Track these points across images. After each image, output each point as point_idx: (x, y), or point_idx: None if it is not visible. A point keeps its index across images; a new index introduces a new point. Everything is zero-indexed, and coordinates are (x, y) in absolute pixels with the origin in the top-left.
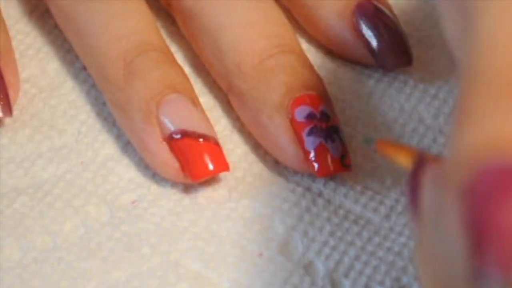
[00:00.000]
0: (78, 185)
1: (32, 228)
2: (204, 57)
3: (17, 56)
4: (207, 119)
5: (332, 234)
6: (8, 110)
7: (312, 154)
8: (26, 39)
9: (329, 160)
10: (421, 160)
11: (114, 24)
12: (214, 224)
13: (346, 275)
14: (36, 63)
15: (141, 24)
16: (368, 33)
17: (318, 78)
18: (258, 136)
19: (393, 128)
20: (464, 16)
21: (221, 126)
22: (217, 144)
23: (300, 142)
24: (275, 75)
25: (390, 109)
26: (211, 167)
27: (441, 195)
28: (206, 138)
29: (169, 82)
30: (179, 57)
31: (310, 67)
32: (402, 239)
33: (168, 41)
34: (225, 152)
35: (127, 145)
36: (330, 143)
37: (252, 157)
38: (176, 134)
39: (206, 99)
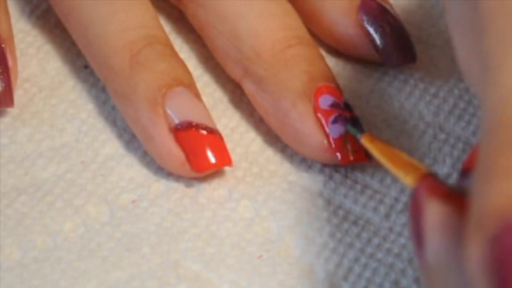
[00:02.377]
0: (78, 184)
1: (32, 228)
2: (216, 45)
3: (17, 55)
4: (210, 114)
5: (331, 235)
6: (10, 99)
7: (337, 141)
8: (27, 38)
9: (355, 148)
10: (422, 195)
11: (120, 17)
12: (214, 225)
13: (345, 278)
14: (37, 62)
15: (146, 18)
16: (373, 30)
17: (331, 72)
18: (276, 124)
19: (393, 125)
20: (481, 54)
21: (222, 126)
22: (221, 138)
23: (325, 129)
24: (296, 64)
25: (391, 107)
26: (214, 160)
27: (460, 243)
28: (211, 131)
29: (175, 75)
30: (181, 55)
31: (325, 62)
32: (402, 240)
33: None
34: None
35: (128, 145)
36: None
37: (252, 157)
38: (182, 125)
39: (206, 99)
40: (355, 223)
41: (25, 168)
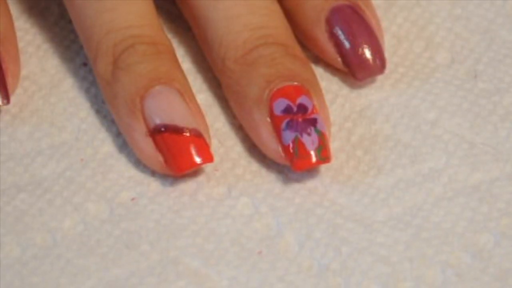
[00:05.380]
0: (77, 182)
1: (32, 225)
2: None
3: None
4: (194, 109)
5: (329, 231)
6: (6, 97)
7: (288, 148)
8: (26, 36)
9: (304, 154)
10: None
11: (106, 17)
12: (214, 221)
13: (341, 272)
14: (36, 60)
15: (132, 15)
16: (340, 39)
17: (303, 65)
18: (246, 129)
19: (391, 120)
20: None
21: (221, 123)
22: (199, 135)
23: (278, 136)
24: (255, 68)
25: (389, 105)
26: (192, 159)
27: None
28: (187, 130)
29: (154, 75)
30: (180, 53)
31: (293, 55)
32: (396, 233)
33: (169, 36)
34: (224, 149)
35: (127, 143)
36: (306, 137)
37: (251, 154)
38: (160, 128)
39: (205, 96)
40: (350, 218)
41: (25, 166)
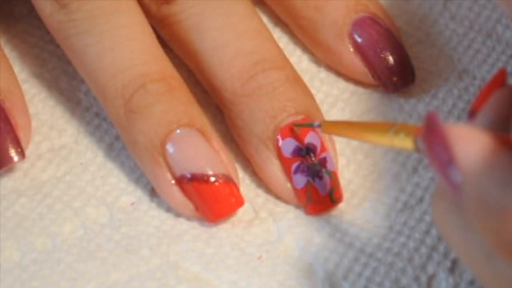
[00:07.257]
0: (77, 186)
1: (32, 230)
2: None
3: (17, 55)
4: (218, 150)
5: (331, 235)
6: (21, 153)
7: (301, 192)
8: (28, 38)
9: (318, 198)
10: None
11: (108, 59)
12: (214, 226)
13: (345, 278)
14: (36, 63)
15: (136, 53)
16: (367, 52)
17: (303, 91)
18: (252, 164)
19: None
20: None
21: (217, 128)
22: (229, 180)
23: (289, 179)
24: (256, 101)
25: (389, 109)
26: (226, 208)
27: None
28: (217, 177)
29: (172, 117)
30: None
31: (293, 80)
32: (402, 239)
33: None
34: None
35: (126, 146)
36: (318, 181)
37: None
38: (186, 176)
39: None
40: (353, 223)
41: (24, 170)
